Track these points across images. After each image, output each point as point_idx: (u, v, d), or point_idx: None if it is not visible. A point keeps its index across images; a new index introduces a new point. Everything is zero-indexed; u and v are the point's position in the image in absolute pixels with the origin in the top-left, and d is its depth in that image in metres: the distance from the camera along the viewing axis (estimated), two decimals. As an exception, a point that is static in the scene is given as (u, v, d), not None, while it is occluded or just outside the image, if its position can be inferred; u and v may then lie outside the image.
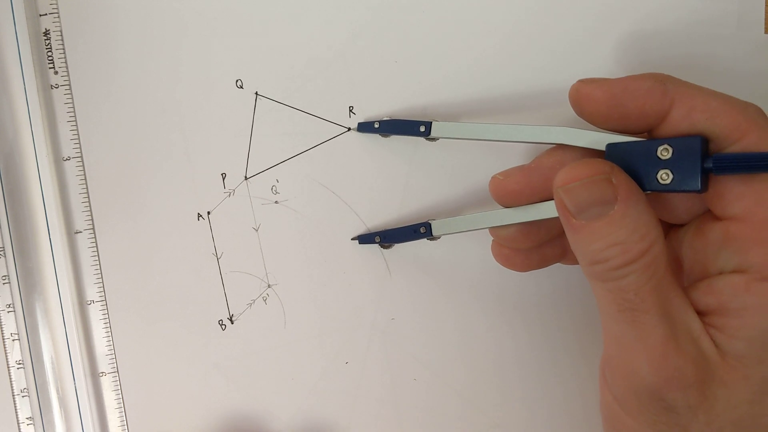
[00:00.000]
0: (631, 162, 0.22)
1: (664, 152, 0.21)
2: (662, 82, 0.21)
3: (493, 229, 0.27)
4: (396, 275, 0.31)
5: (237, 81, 0.31)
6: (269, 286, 0.32)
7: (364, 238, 0.31)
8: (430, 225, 0.29)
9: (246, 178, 0.31)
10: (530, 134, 0.25)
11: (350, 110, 0.31)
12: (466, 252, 0.31)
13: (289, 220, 0.31)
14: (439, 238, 0.30)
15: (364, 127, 0.30)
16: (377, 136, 0.30)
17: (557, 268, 0.30)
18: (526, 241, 0.26)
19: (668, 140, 0.21)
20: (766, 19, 0.28)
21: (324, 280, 0.31)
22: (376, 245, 0.31)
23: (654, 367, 0.20)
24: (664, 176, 0.21)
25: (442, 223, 0.28)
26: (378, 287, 0.31)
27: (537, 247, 0.27)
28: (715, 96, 0.21)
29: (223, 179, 0.31)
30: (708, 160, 0.21)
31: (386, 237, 0.30)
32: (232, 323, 0.32)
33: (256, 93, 0.31)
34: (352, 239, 0.31)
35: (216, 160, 0.31)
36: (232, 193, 0.32)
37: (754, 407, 0.20)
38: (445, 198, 0.31)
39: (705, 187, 0.21)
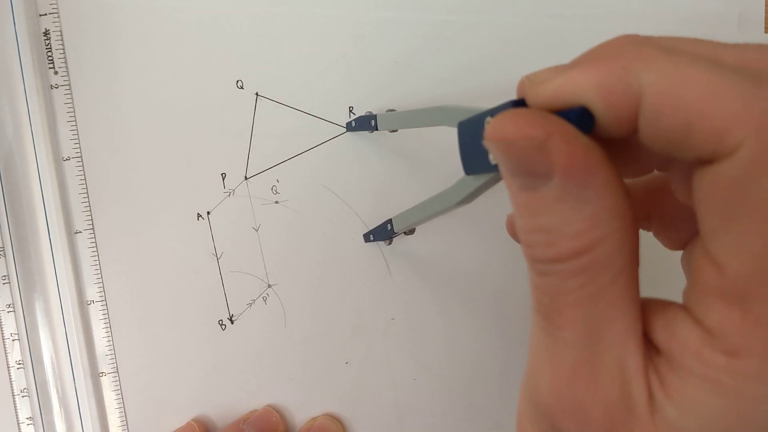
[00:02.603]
0: (475, 140, 0.18)
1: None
2: (626, 70, 0.14)
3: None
4: (396, 275, 0.31)
5: (237, 81, 0.31)
6: (269, 286, 0.32)
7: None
8: (391, 221, 0.29)
9: (246, 178, 0.31)
10: (427, 118, 0.24)
11: (350, 110, 0.31)
12: (466, 252, 0.31)
13: (289, 220, 0.31)
14: (412, 232, 0.30)
15: (349, 127, 0.31)
16: (376, 135, 0.31)
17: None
18: None
19: (492, 109, 0.18)
20: (766, 19, 0.28)
21: (324, 280, 0.31)
22: (375, 242, 0.31)
23: (554, 391, 0.16)
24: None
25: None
26: (378, 287, 0.31)
27: None
28: (699, 82, 0.14)
29: (223, 179, 0.31)
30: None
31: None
32: (232, 323, 0.32)
33: (257, 93, 0.31)
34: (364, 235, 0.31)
35: (216, 160, 0.31)
36: (232, 193, 0.32)
37: None
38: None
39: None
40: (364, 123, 0.29)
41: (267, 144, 0.31)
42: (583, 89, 0.15)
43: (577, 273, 0.15)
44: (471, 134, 0.19)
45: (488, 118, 0.17)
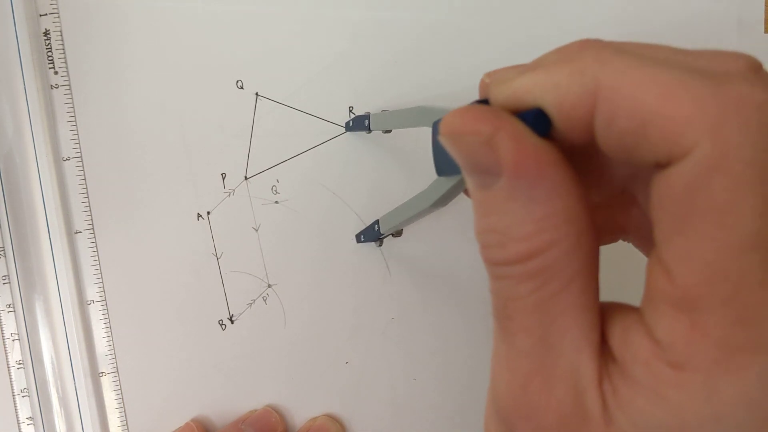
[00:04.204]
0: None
1: None
2: (581, 72, 0.14)
3: None
4: (396, 275, 0.31)
5: (237, 81, 0.31)
6: (269, 286, 0.32)
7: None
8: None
9: (246, 178, 0.31)
10: (409, 118, 0.24)
11: (350, 110, 0.31)
12: (466, 252, 0.31)
13: (289, 220, 0.31)
14: (400, 234, 0.30)
15: (347, 127, 0.31)
16: (376, 135, 0.31)
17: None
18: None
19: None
20: (766, 19, 0.28)
21: (324, 280, 0.31)
22: (375, 242, 0.31)
23: (511, 397, 0.16)
24: None
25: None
26: (377, 287, 0.31)
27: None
28: (653, 83, 0.13)
29: (223, 179, 0.31)
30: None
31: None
32: (232, 323, 0.32)
33: (257, 93, 0.31)
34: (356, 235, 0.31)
35: (216, 160, 0.31)
36: (232, 193, 0.32)
37: None
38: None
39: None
40: (360, 123, 0.30)
41: (267, 144, 0.31)
42: (540, 90, 0.15)
43: (527, 277, 0.15)
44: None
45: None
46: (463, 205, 0.31)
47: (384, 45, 0.30)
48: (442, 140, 0.16)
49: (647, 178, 0.15)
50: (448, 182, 0.20)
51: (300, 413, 0.32)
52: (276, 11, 0.30)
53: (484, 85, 0.17)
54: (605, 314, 0.16)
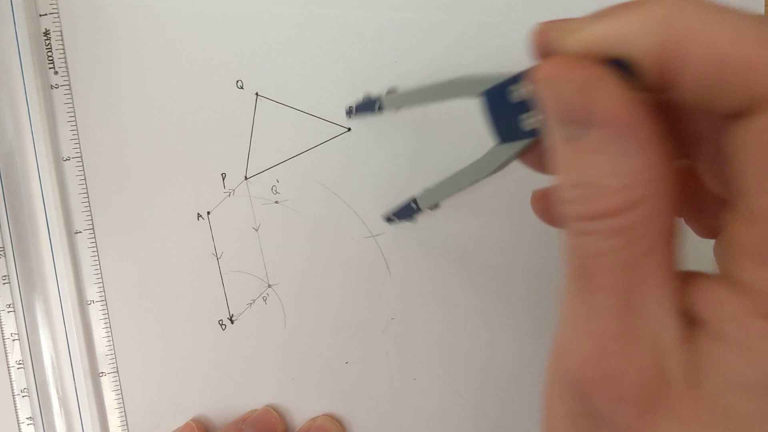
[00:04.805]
0: (503, 108, 0.19)
1: (514, 93, 0.19)
2: (656, 20, 0.14)
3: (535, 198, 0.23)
4: (396, 275, 0.31)
5: (237, 81, 0.31)
6: (269, 286, 0.32)
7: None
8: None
9: (246, 178, 0.31)
10: (440, 92, 0.24)
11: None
12: (466, 252, 0.31)
13: (289, 220, 0.31)
14: (437, 207, 0.29)
15: (349, 113, 0.30)
16: (375, 135, 0.31)
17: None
18: None
19: (517, 75, 0.19)
20: (765, 19, 0.28)
21: (324, 280, 0.31)
22: (374, 242, 0.31)
23: (586, 362, 0.15)
24: (529, 120, 0.19)
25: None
26: (378, 287, 0.31)
27: None
28: (729, 28, 0.13)
29: (223, 179, 0.31)
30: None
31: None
32: (232, 323, 0.32)
33: (257, 93, 0.31)
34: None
35: (216, 160, 0.31)
36: (232, 193, 0.32)
37: None
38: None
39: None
40: (366, 108, 0.29)
41: (267, 144, 0.31)
42: (616, 39, 0.14)
43: (615, 233, 0.14)
44: (499, 101, 0.19)
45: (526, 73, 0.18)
46: (463, 205, 0.31)
47: (384, 45, 0.30)
48: (534, 87, 0.16)
49: (720, 135, 0.15)
50: (510, 149, 0.20)
51: (300, 413, 0.32)
52: (276, 11, 0.30)
53: (544, 35, 0.17)
54: (683, 280, 0.15)
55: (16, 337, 0.32)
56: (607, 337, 0.15)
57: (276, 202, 0.31)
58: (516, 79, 0.19)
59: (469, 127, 0.30)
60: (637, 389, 0.15)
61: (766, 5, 0.28)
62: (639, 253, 0.15)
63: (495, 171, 0.22)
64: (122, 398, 0.32)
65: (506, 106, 0.19)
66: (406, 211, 0.29)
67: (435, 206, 0.28)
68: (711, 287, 0.15)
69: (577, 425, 0.16)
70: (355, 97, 0.30)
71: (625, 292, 0.15)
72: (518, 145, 0.20)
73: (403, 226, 0.31)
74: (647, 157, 0.14)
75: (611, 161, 0.14)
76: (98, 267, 0.32)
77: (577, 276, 0.15)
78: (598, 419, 0.15)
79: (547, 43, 0.17)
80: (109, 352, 0.32)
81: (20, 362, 0.32)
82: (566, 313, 0.16)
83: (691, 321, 0.15)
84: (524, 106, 0.19)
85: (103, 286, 0.32)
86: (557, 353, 0.16)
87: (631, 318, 0.15)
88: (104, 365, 0.32)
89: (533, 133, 0.19)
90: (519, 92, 0.19)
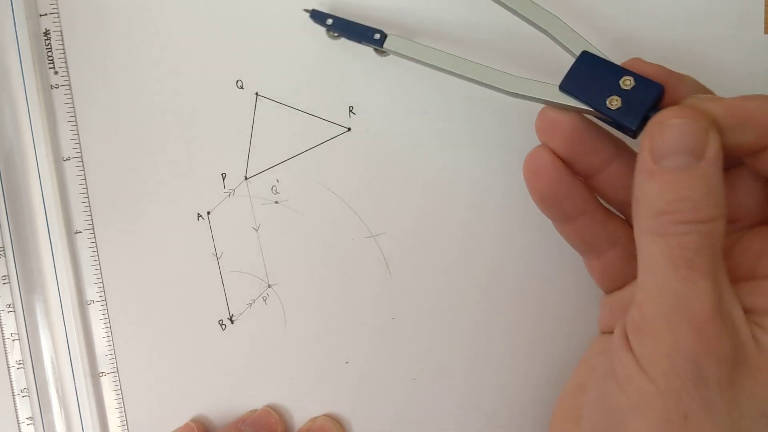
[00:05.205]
0: (593, 76, 0.23)
1: (627, 82, 0.23)
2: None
3: (550, 109, 0.25)
4: (396, 275, 0.31)
5: (237, 81, 0.31)
6: (269, 286, 0.32)
7: (317, 15, 0.29)
8: (385, 36, 0.27)
9: (246, 178, 0.31)
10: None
11: (350, 110, 0.31)
12: (466, 251, 0.31)
13: (289, 220, 0.31)
14: (388, 54, 0.28)
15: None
16: (375, 138, 0.31)
17: (569, 271, 0.30)
18: (577, 143, 0.24)
19: (634, 74, 0.23)
20: (766, 19, 0.28)
21: (324, 280, 0.31)
22: (375, 242, 0.31)
23: (697, 330, 0.20)
24: (614, 102, 0.22)
25: (398, 41, 0.27)
26: (378, 287, 0.31)
27: (583, 162, 0.25)
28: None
29: (223, 179, 0.31)
30: (653, 110, 0.22)
31: (337, 25, 0.29)
32: (232, 323, 0.32)
33: (257, 93, 0.31)
34: (304, 10, 0.29)
35: (216, 160, 0.31)
36: (232, 193, 0.32)
37: None
38: (445, 198, 0.30)
39: (639, 131, 0.22)
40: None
41: (267, 144, 0.31)
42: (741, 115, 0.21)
43: (711, 233, 0.20)
44: (596, 72, 0.23)
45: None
46: (463, 204, 0.31)
47: (384, 45, 0.30)
48: (669, 123, 0.21)
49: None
50: (560, 96, 0.24)
51: (300, 413, 0.32)
52: (276, 11, 0.30)
53: (674, 90, 0.23)
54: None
55: (16, 337, 0.32)
56: (710, 310, 0.20)
57: (276, 202, 0.31)
58: (626, 72, 0.23)
59: (469, 127, 0.30)
60: (731, 352, 0.20)
61: (766, 5, 0.28)
62: (719, 251, 0.20)
63: (528, 99, 0.25)
64: (122, 398, 0.32)
65: (599, 78, 0.23)
66: (363, 33, 0.28)
67: (383, 53, 0.28)
68: (753, 287, 0.22)
69: (681, 394, 0.20)
70: (355, 98, 0.30)
71: (715, 278, 0.20)
72: (572, 101, 0.24)
73: (403, 227, 0.31)
74: (723, 188, 0.20)
75: (710, 186, 0.20)
76: (98, 267, 0.32)
77: (679, 266, 0.20)
78: (701, 381, 0.20)
79: (676, 97, 0.23)
80: (108, 352, 0.32)
81: (20, 362, 0.32)
82: (658, 299, 0.20)
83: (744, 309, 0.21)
84: (612, 89, 0.23)
85: (103, 286, 0.32)
86: (654, 334, 0.20)
87: (721, 298, 0.20)
88: (104, 365, 0.32)
89: (600, 107, 0.23)
90: (620, 80, 0.23)
